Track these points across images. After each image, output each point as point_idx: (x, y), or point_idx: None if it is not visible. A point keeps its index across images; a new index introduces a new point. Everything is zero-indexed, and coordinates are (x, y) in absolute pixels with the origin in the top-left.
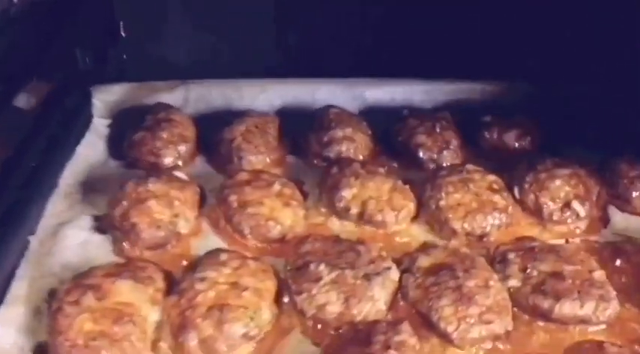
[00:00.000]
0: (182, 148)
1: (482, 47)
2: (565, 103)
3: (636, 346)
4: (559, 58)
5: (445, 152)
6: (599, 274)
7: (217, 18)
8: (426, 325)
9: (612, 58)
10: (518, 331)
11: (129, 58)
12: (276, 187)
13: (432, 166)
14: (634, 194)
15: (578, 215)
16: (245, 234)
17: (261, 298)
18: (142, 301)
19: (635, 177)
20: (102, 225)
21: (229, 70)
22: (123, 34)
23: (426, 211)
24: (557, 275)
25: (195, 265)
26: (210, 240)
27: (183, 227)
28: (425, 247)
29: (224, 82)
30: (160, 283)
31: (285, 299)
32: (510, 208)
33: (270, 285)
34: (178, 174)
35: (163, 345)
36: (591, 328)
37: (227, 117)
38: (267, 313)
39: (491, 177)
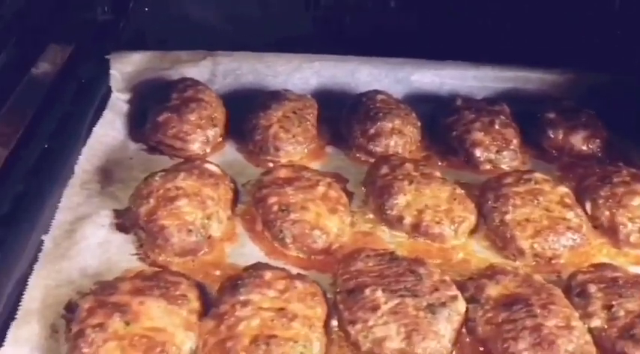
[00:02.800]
0: (211, 132)
1: (542, 30)
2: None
3: None
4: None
5: (505, 152)
6: None
7: None
8: None
9: None
10: None
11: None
12: (321, 188)
13: (487, 167)
14: None
15: None
16: (287, 243)
17: (312, 328)
18: (175, 326)
19: None
20: (123, 222)
21: (258, 39)
22: None
23: (487, 225)
24: None
25: (233, 279)
26: (246, 247)
27: (217, 230)
28: (491, 272)
29: (256, 55)
30: (195, 303)
31: (333, 323)
32: (584, 228)
33: (320, 312)
34: (210, 167)
35: None
36: None
37: (259, 97)
38: (317, 346)
39: (563, 189)
